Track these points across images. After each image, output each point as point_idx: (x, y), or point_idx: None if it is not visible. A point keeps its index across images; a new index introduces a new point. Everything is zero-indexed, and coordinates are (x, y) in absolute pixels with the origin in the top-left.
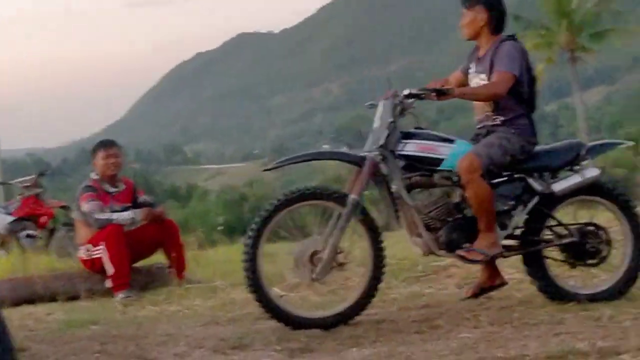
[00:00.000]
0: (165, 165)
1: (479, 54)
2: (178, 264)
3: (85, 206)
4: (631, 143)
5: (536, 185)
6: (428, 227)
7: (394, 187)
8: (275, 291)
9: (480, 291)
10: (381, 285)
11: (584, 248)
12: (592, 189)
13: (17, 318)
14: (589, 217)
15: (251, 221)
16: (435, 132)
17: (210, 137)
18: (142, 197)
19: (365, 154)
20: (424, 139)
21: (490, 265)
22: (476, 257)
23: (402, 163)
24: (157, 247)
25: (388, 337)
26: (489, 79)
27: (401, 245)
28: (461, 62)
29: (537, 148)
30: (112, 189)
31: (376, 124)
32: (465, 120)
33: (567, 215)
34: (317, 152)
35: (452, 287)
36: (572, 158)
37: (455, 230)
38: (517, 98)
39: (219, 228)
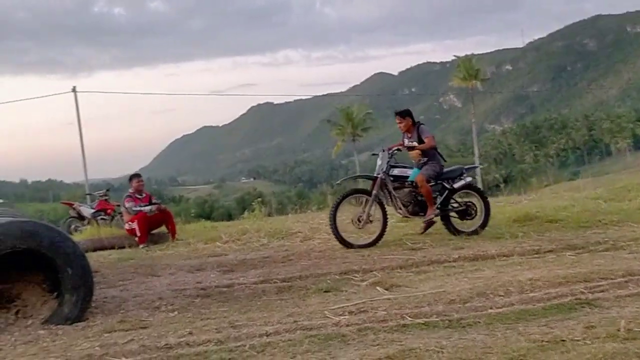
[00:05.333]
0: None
1: (409, 134)
2: (172, 232)
3: (127, 204)
4: (482, 167)
5: (447, 185)
6: (404, 205)
7: (389, 188)
8: (344, 233)
9: (427, 228)
10: None
11: (466, 212)
12: (468, 187)
13: (94, 257)
14: (468, 200)
15: (331, 205)
16: (403, 164)
17: None
18: (154, 200)
19: (377, 175)
20: (400, 167)
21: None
22: (429, 218)
23: (391, 178)
24: (162, 223)
25: None
26: (419, 142)
27: None
28: None
29: (445, 169)
30: (139, 196)
31: (380, 162)
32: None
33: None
34: (360, 175)
35: None
36: (460, 173)
37: (415, 206)
38: (433, 148)
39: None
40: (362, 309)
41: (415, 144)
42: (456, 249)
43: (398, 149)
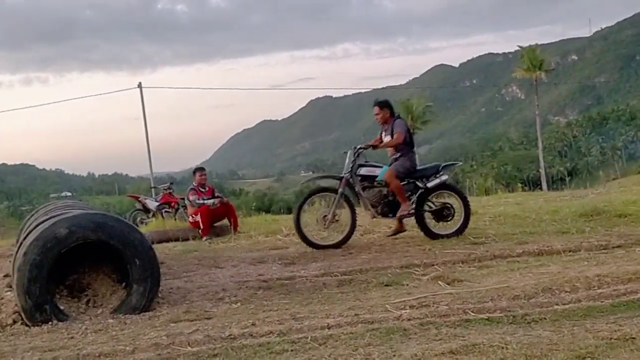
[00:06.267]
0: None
1: (385, 126)
2: (234, 225)
3: (191, 197)
4: (461, 163)
5: (419, 184)
6: (373, 205)
7: (356, 189)
8: (310, 233)
9: (396, 233)
10: None
11: (442, 214)
12: (445, 186)
13: (160, 249)
14: (446, 201)
15: (295, 203)
16: (373, 163)
17: None
18: (217, 193)
19: (343, 174)
20: (368, 166)
21: (400, 220)
22: (403, 213)
23: (359, 178)
24: (224, 216)
25: None
26: (392, 137)
27: None
28: None
29: (419, 167)
30: (202, 190)
31: (347, 161)
32: None
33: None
34: (326, 175)
35: None
36: (435, 171)
37: (385, 207)
38: (406, 144)
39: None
40: (423, 303)
41: (388, 138)
42: (520, 243)
43: (363, 148)
